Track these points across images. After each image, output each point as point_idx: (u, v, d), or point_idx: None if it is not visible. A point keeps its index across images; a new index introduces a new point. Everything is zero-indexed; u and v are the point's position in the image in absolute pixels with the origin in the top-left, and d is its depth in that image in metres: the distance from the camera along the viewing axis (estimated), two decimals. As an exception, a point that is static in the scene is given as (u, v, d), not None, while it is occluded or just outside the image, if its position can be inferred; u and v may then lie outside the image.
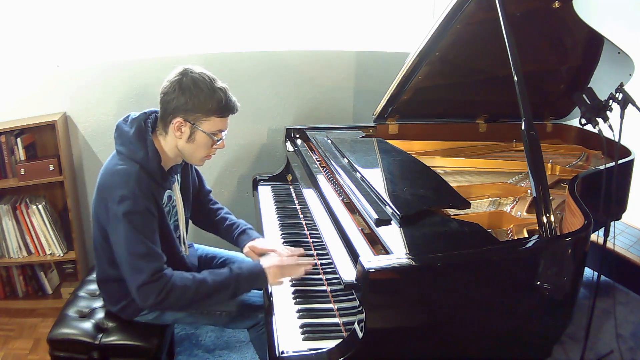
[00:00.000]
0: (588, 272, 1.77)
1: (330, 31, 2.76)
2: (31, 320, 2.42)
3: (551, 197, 1.34)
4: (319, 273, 1.54)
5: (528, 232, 1.42)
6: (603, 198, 1.54)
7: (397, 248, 1.20)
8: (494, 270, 1.21)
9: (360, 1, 2.78)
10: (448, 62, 2.09)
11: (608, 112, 1.57)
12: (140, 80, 2.47)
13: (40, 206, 2.38)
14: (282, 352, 1.18)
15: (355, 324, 1.16)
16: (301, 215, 1.92)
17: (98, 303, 1.71)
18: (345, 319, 1.30)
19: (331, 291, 1.43)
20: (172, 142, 1.50)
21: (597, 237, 1.92)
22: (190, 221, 1.81)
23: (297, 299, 1.41)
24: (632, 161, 2.07)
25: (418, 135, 2.36)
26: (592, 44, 2.08)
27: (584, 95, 1.59)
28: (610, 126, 1.56)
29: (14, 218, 2.37)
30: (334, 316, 1.34)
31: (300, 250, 1.60)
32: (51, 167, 2.34)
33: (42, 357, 2.15)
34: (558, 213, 1.62)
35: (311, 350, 1.19)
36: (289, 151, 2.25)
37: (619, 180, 1.98)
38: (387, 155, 1.91)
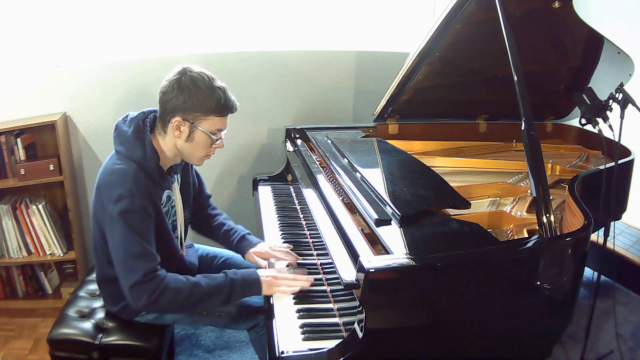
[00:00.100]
0: (588, 272, 1.77)
1: (330, 31, 2.76)
2: (31, 320, 2.42)
3: (551, 197, 1.34)
4: (319, 273, 1.54)
5: (528, 232, 1.42)
6: (603, 198, 1.53)
7: (397, 248, 1.20)
8: (494, 270, 1.21)
9: (360, 1, 2.78)
10: (448, 62, 2.09)
11: (608, 112, 1.57)
12: (140, 80, 2.47)
13: (40, 206, 2.38)
14: (282, 352, 1.18)
15: (355, 324, 1.16)
16: (301, 215, 1.92)
17: (98, 303, 1.71)
18: (345, 319, 1.30)
19: (331, 291, 1.43)
20: (171, 142, 1.50)
21: (597, 237, 1.92)
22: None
23: (297, 299, 1.41)
24: (632, 161, 2.07)
25: (418, 135, 2.36)
26: (592, 44, 2.08)
27: (584, 95, 1.59)
28: (610, 126, 1.56)
29: (14, 218, 2.37)
30: (334, 316, 1.34)
31: (305, 271, 1.59)
32: (51, 167, 2.34)
33: (42, 357, 2.15)
34: (558, 213, 1.62)
35: (311, 350, 1.19)
36: (289, 151, 2.25)
37: (619, 180, 1.98)
38: (387, 155, 1.91)
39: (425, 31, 1.92)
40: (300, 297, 1.42)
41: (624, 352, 2.14)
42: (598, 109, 1.57)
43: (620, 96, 1.55)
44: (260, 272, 1.50)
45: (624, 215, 2.27)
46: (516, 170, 2.01)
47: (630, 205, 2.19)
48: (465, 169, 2.05)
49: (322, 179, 1.75)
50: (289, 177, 2.26)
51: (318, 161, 2.00)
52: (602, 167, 1.82)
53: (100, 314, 1.65)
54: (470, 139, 2.40)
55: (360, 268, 1.11)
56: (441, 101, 2.33)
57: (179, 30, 2.56)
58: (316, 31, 2.74)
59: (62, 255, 2.45)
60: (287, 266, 1.59)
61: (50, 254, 2.44)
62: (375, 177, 1.62)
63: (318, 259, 1.60)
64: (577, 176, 1.69)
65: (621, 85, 1.58)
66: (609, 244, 1.63)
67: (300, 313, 1.34)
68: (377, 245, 1.27)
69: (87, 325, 1.60)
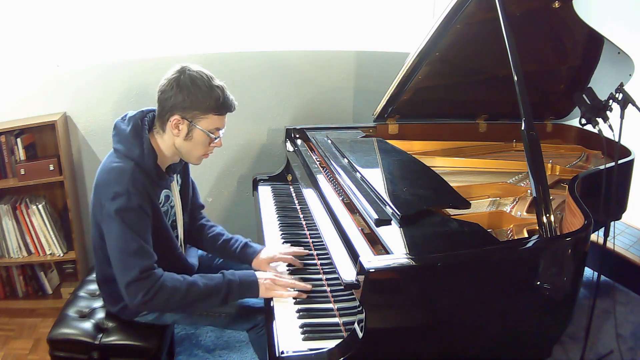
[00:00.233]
0: (588, 272, 1.77)
1: (330, 31, 2.76)
2: (31, 320, 2.42)
3: (551, 197, 1.34)
4: (319, 273, 1.54)
5: (528, 232, 1.42)
6: (603, 198, 1.53)
7: (397, 248, 1.20)
8: (494, 270, 1.21)
9: (360, 1, 2.78)
10: (448, 62, 2.09)
11: (608, 112, 1.57)
12: (140, 80, 2.47)
13: (40, 206, 2.38)
14: (282, 352, 1.18)
15: (355, 324, 1.16)
16: (301, 215, 1.92)
17: (98, 303, 1.71)
18: (345, 319, 1.30)
19: (331, 291, 1.43)
20: (169, 141, 1.50)
21: (597, 237, 1.92)
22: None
23: (297, 299, 1.41)
24: (632, 161, 2.07)
25: (418, 135, 2.36)
26: (592, 44, 2.08)
27: (584, 95, 1.59)
28: (610, 126, 1.56)
29: (14, 218, 2.37)
30: (334, 316, 1.34)
31: (303, 250, 1.61)
32: (51, 167, 2.34)
33: (42, 357, 2.15)
34: (558, 213, 1.62)
35: (311, 350, 1.19)
36: (289, 151, 2.25)
37: (619, 180, 1.98)
38: (387, 155, 1.91)
39: (425, 31, 1.92)
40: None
41: (624, 352, 2.14)
42: (598, 109, 1.57)
43: (620, 96, 1.55)
44: (258, 274, 1.50)
45: (624, 215, 2.27)
46: (516, 170, 2.01)
47: (630, 205, 2.19)
48: (465, 169, 2.05)
49: (322, 179, 1.75)
50: (289, 177, 2.26)
51: (318, 161, 1.99)
52: (602, 167, 1.82)
53: (100, 314, 1.65)
54: (470, 139, 2.40)
55: (360, 268, 1.11)
56: (441, 101, 2.33)
57: (179, 30, 2.56)
58: (316, 31, 2.74)
59: (62, 255, 2.45)
60: (287, 267, 1.59)
61: (50, 254, 2.44)
62: (375, 177, 1.62)
63: (318, 259, 1.60)
64: (577, 176, 1.69)
65: (621, 85, 1.58)
66: (609, 244, 1.63)
67: (300, 313, 1.34)
68: (377, 245, 1.27)
69: (87, 325, 1.60)
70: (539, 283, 1.21)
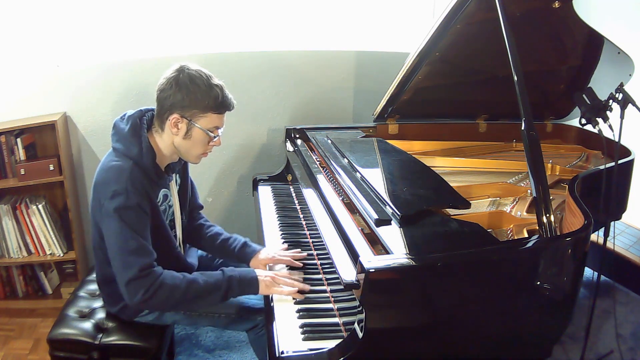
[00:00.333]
0: (588, 272, 1.77)
1: (330, 31, 2.76)
2: (31, 320, 2.42)
3: (551, 197, 1.34)
4: (319, 273, 1.54)
5: (528, 232, 1.42)
6: (603, 198, 1.54)
7: (397, 248, 1.20)
8: (494, 270, 1.21)
9: (360, 1, 2.78)
10: (448, 62, 2.09)
11: (608, 112, 1.57)
12: (140, 80, 2.47)
13: (40, 206, 2.38)
14: (282, 352, 1.18)
15: (355, 324, 1.16)
16: (301, 215, 1.92)
17: (98, 303, 1.71)
18: (345, 319, 1.30)
19: (331, 291, 1.43)
20: (168, 139, 1.50)
21: (597, 237, 1.92)
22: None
23: (297, 299, 1.41)
24: (632, 161, 2.07)
25: (418, 135, 2.36)
26: (592, 44, 2.08)
27: (584, 95, 1.59)
28: (610, 126, 1.56)
29: (14, 218, 2.37)
30: (334, 316, 1.34)
31: (302, 254, 1.61)
32: (51, 167, 2.34)
33: (42, 357, 2.15)
34: (558, 213, 1.62)
35: (311, 350, 1.19)
36: (289, 151, 2.25)
37: (619, 180, 1.98)
38: (387, 155, 1.91)
39: (425, 31, 1.92)
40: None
41: (624, 352, 2.14)
42: (598, 109, 1.57)
43: (620, 96, 1.55)
44: (258, 271, 1.50)
45: (624, 215, 2.27)
46: (516, 170, 2.01)
47: (630, 205, 2.19)
48: (465, 169, 2.05)
49: (322, 179, 1.75)
50: (289, 177, 2.26)
51: (318, 161, 1.99)
52: (602, 167, 1.82)
53: (100, 314, 1.65)
54: (470, 139, 2.40)
55: (360, 268, 1.11)
56: (441, 101, 2.33)
57: (179, 30, 2.56)
58: (316, 31, 2.74)
59: (62, 255, 2.45)
60: (287, 268, 1.59)
61: (50, 254, 2.44)
62: (375, 177, 1.62)
63: (318, 259, 1.60)
64: (577, 176, 1.69)
65: (621, 85, 1.58)
66: (609, 244, 1.63)
67: (300, 313, 1.34)
68: (377, 245, 1.27)
69: (87, 325, 1.60)
70: (539, 283, 1.21)
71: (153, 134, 1.52)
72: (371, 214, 1.37)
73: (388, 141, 2.10)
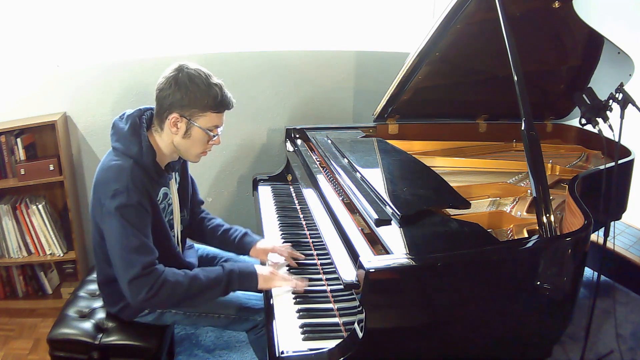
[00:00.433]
0: (588, 272, 1.77)
1: (330, 31, 2.76)
2: (31, 320, 2.42)
3: (551, 197, 1.34)
4: (319, 273, 1.54)
5: (528, 232, 1.42)
6: (603, 198, 1.53)
7: (397, 248, 1.20)
8: (494, 270, 1.21)
9: (360, 1, 2.78)
10: (448, 62, 2.09)
11: (608, 112, 1.57)
12: (140, 80, 2.47)
13: (40, 206, 2.38)
14: (282, 352, 1.18)
15: (355, 324, 1.16)
16: (301, 215, 1.92)
17: (98, 303, 1.71)
18: (345, 319, 1.30)
19: (331, 291, 1.43)
20: (168, 139, 1.50)
21: (597, 237, 1.92)
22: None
23: (297, 299, 1.41)
24: (632, 161, 2.07)
25: (418, 135, 2.36)
26: (592, 44, 2.08)
27: (584, 95, 1.59)
28: (610, 126, 1.56)
29: (14, 218, 2.37)
30: (334, 316, 1.34)
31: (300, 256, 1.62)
32: (51, 167, 2.34)
33: (42, 357, 2.15)
34: (558, 213, 1.62)
35: (311, 350, 1.19)
36: (289, 151, 2.25)
37: (619, 180, 1.98)
38: (387, 155, 1.91)
39: (425, 31, 1.92)
40: (300, 296, 1.42)
41: (624, 352, 2.14)
42: (598, 109, 1.57)
43: (620, 96, 1.55)
44: (257, 267, 1.52)
45: (624, 215, 2.27)
46: (516, 170, 2.01)
47: (630, 205, 2.19)
48: (465, 169, 2.06)
49: (322, 179, 1.75)
50: (289, 177, 2.26)
51: (318, 161, 2.00)
52: (602, 167, 1.82)
53: (100, 314, 1.65)
54: (470, 139, 2.40)
55: (360, 268, 1.11)
56: (441, 101, 2.33)
57: (179, 30, 2.56)
58: (316, 31, 2.74)
59: (62, 255, 2.45)
60: (287, 268, 1.60)
61: (50, 254, 2.44)
62: (375, 177, 1.62)
63: (318, 259, 1.60)
64: (577, 176, 1.69)
65: (621, 85, 1.58)
66: (609, 244, 1.63)
67: (300, 313, 1.34)
68: (377, 245, 1.27)
69: (87, 325, 1.60)
70: (539, 283, 1.21)
71: (153, 133, 1.52)
72: (371, 214, 1.37)
73: (388, 141, 2.10)
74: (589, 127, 1.60)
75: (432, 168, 1.74)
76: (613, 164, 1.64)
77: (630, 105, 1.54)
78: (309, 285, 1.47)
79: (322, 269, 1.54)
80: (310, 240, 1.72)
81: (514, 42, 1.47)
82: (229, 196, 2.79)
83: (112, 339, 1.57)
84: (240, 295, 1.64)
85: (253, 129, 2.71)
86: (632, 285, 2.58)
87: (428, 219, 1.35)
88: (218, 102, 1.46)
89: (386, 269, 1.12)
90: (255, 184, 2.25)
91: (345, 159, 1.84)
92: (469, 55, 2.10)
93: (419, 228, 1.31)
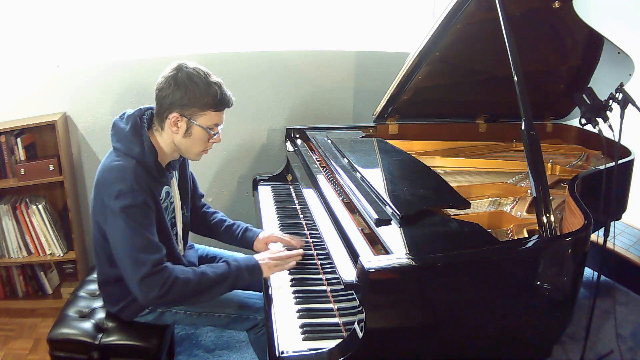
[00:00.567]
0: (588, 272, 1.77)
1: (330, 31, 2.76)
2: (31, 320, 2.42)
3: (551, 197, 1.34)
4: (319, 273, 1.54)
5: (528, 232, 1.42)
6: (603, 198, 1.53)
7: (397, 248, 1.20)
8: (494, 270, 1.21)
9: (360, 1, 2.78)
10: (448, 62, 2.09)
11: (608, 112, 1.58)
12: (140, 80, 2.47)
13: (40, 206, 2.38)
14: (282, 352, 1.18)
15: (355, 324, 1.16)
16: (301, 215, 1.92)
17: (98, 303, 1.71)
18: (345, 319, 1.30)
19: (331, 291, 1.43)
20: (168, 138, 1.50)
21: (597, 237, 1.92)
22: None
23: (297, 299, 1.41)
24: (632, 161, 2.07)
25: (418, 135, 2.36)
26: (592, 44, 2.08)
27: (584, 96, 1.59)
28: (610, 126, 1.56)
29: (14, 218, 2.37)
30: (334, 316, 1.34)
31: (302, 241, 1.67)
32: (51, 167, 2.34)
33: (42, 357, 2.15)
34: (558, 213, 1.62)
35: (311, 350, 1.19)
36: (289, 151, 2.25)
37: (619, 180, 1.97)
38: (387, 155, 1.91)
39: (425, 31, 1.92)
40: (301, 297, 1.42)
41: (624, 352, 2.14)
42: (598, 109, 1.57)
43: (620, 96, 1.55)
44: (256, 256, 1.54)
45: (624, 215, 2.27)
46: (516, 170, 2.01)
47: (630, 205, 2.19)
48: (465, 169, 2.06)
49: (322, 179, 1.75)
50: (289, 177, 2.26)
51: (318, 161, 2.00)
52: (602, 167, 1.82)
53: (100, 314, 1.65)
54: (470, 139, 2.40)
55: (360, 268, 1.11)
56: (441, 101, 2.33)
57: (179, 30, 2.56)
58: (316, 31, 2.74)
59: (62, 255, 2.45)
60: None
61: (50, 254, 2.44)
62: (375, 177, 1.62)
63: (318, 259, 1.60)
64: (577, 176, 1.69)
65: (621, 85, 1.58)
66: (609, 244, 1.63)
67: (300, 313, 1.34)
68: (377, 245, 1.27)
69: (87, 325, 1.60)
70: (539, 283, 1.21)
71: (153, 132, 1.52)
72: (371, 214, 1.37)
73: (388, 141, 2.10)
74: (589, 127, 1.60)
75: (432, 168, 1.74)
76: (613, 164, 1.64)
77: (630, 105, 1.54)
78: (309, 285, 1.47)
79: (322, 269, 1.54)
80: (310, 240, 1.72)
81: (514, 42, 1.47)
82: (229, 196, 2.79)
83: (112, 339, 1.57)
84: (240, 293, 1.64)
85: (253, 129, 2.71)
86: (632, 285, 2.58)
87: (428, 219, 1.35)
88: (218, 101, 1.46)
89: (386, 269, 1.12)
90: (255, 184, 2.25)
91: (345, 159, 1.84)
92: (469, 55, 2.10)
93: (419, 228, 1.31)
